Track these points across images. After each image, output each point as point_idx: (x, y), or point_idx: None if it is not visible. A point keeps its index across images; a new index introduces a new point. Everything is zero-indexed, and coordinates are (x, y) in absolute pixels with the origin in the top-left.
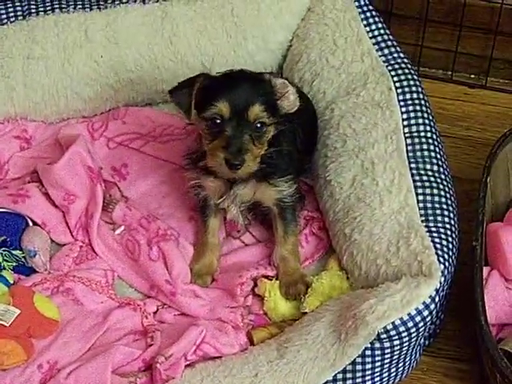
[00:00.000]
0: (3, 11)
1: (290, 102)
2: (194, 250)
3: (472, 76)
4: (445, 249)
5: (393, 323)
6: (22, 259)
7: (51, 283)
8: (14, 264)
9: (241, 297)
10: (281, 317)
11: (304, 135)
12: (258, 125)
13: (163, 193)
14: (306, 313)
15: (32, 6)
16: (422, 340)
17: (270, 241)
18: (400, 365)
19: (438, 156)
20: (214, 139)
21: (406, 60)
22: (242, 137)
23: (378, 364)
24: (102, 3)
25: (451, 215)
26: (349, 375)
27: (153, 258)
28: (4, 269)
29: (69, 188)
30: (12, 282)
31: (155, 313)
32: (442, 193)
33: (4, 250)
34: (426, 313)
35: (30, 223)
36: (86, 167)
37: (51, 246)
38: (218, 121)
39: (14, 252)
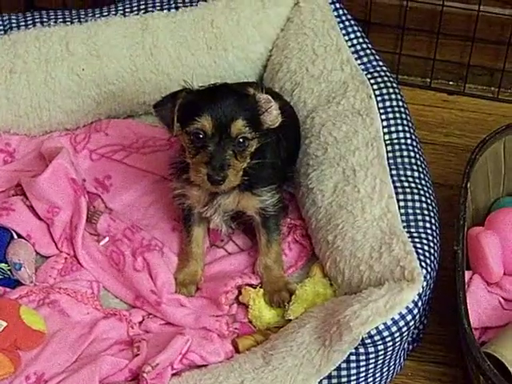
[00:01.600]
0: None
1: (272, 117)
2: (178, 260)
3: (450, 83)
4: (427, 254)
5: (377, 328)
6: (8, 272)
7: (37, 295)
8: (0, 277)
9: (225, 305)
10: (265, 324)
11: (288, 144)
12: (241, 140)
13: (146, 203)
14: (290, 320)
15: (13, 21)
16: (406, 345)
17: (253, 249)
18: (384, 369)
19: (419, 162)
20: (196, 153)
21: (384, 68)
22: (224, 152)
23: (363, 369)
24: (82, 16)
25: (432, 221)
26: (334, 381)
27: (137, 269)
28: None
29: (53, 200)
30: None
31: (141, 323)
32: (423, 199)
33: None
34: (409, 317)
35: (15, 236)
36: (69, 179)
37: (36, 259)
38: (201, 136)
39: None
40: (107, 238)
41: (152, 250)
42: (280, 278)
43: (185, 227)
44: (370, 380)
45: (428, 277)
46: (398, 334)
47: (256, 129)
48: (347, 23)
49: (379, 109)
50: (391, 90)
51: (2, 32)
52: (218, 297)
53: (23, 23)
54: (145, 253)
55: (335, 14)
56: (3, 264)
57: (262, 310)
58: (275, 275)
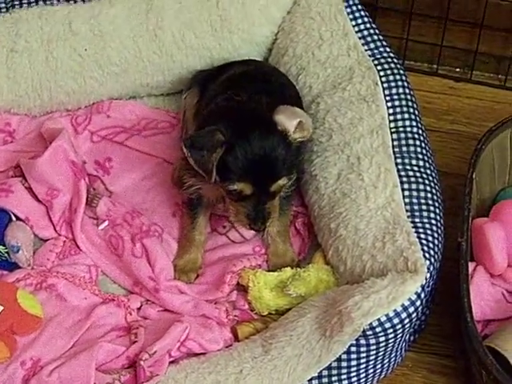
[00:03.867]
0: None
1: (304, 133)
2: (178, 246)
3: (457, 70)
4: (430, 245)
5: (378, 320)
6: (5, 254)
7: (34, 279)
8: None
9: (229, 285)
10: (265, 306)
11: None
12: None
13: (147, 187)
14: (289, 309)
15: None
16: (408, 336)
17: (258, 241)
18: (385, 361)
19: (424, 151)
20: (235, 201)
21: (392, 54)
22: (263, 207)
23: (364, 360)
24: None
25: (437, 211)
26: (334, 372)
27: (136, 255)
28: None
29: (52, 183)
30: None
31: (139, 309)
32: (428, 188)
33: None
34: (411, 309)
35: (14, 218)
36: (69, 161)
37: (34, 241)
38: (239, 194)
39: None
40: (107, 222)
41: (151, 236)
42: (286, 252)
43: (189, 214)
44: (370, 371)
45: (431, 268)
46: (399, 325)
47: (292, 169)
48: (354, 8)
49: (385, 96)
50: (398, 77)
51: (5, 10)
52: (223, 275)
53: (26, 1)
54: (144, 239)
55: None
56: (1, 246)
57: (262, 291)
58: (281, 248)
